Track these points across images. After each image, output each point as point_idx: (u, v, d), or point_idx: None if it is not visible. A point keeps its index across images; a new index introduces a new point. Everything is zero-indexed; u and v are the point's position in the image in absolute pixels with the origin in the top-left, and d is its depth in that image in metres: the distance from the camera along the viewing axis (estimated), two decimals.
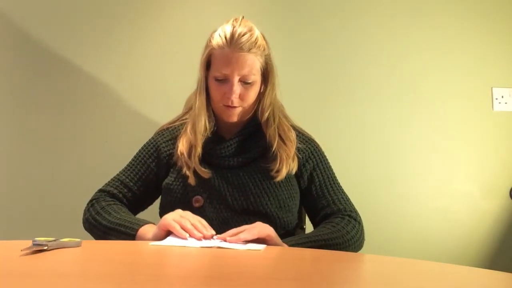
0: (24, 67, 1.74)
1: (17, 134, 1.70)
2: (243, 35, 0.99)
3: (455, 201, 1.85)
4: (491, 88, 1.92)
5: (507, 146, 1.89)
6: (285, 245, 0.90)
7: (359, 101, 1.87)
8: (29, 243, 0.65)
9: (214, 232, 0.87)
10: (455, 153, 1.88)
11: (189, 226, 0.86)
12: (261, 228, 0.88)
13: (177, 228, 0.85)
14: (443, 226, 1.84)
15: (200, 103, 1.05)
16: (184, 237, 0.83)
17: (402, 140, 1.87)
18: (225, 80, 1.01)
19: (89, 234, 1.05)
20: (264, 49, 1.04)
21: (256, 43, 1.01)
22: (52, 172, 1.69)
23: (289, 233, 1.03)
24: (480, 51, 1.93)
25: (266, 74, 1.06)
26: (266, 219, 0.97)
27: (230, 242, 0.83)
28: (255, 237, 0.84)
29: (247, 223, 0.91)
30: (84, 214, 1.05)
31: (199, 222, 0.89)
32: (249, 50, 0.99)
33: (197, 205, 0.99)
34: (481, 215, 1.86)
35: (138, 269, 0.54)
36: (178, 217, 0.89)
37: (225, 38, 0.99)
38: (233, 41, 0.98)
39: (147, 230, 0.92)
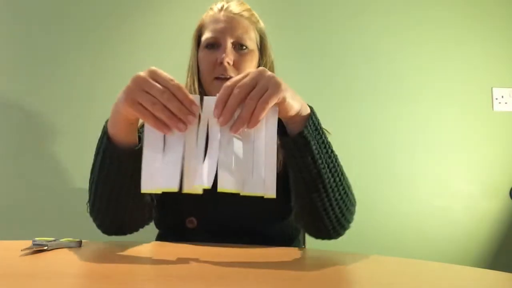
0: (23, 68, 1.74)
1: (17, 134, 1.70)
2: (235, 5, 0.95)
3: (455, 201, 1.85)
4: (491, 88, 1.92)
5: (507, 146, 1.89)
6: (303, 107, 0.70)
7: (359, 101, 1.87)
8: (29, 243, 0.65)
9: (197, 109, 0.62)
10: (455, 153, 1.88)
11: (165, 115, 0.60)
12: (271, 92, 0.61)
13: (151, 122, 0.61)
14: (443, 226, 1.84)
15: (191, 81, 0.96)
16: (165, 132, 0.62)
17: (402, 140, 1.87)
18: (216, 46, 0.91)
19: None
20: (258, 21, 0.98)
21: (250, 11, 0.96)
22: (52, 172, 1.69)
23: (290, 239, 0.97)
24: (480, 51, 1.93)
25: (263, 50, 0.98)
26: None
27: (236, 130, 0.61)
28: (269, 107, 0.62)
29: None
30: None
31: (174, 93, 0.60)
32: (242, 15, 0.93)
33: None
34: (481, 215, 1.86)
35: (138, 269, 0.54)
36: (143, 95, 0.60)
37: (216, 8, 0.95)
38: (223, 8, 0.94)
39: (111, 119, 0.71)
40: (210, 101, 0.63)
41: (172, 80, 0.61)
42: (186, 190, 0.60)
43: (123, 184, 0.73)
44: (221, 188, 0.60)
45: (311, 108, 0.73)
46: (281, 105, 0.64)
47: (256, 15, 0.99)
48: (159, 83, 0.60)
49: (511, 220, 1.86)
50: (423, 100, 1.89)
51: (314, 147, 0.71)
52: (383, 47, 1.90)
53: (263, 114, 0.61)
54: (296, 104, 0.68)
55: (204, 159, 0.62)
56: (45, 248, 0.65)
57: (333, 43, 1.89)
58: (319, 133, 0.72)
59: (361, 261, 0.68)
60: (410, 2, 1.94)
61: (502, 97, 1.91)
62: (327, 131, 0.90)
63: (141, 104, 0.61)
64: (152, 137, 0.62)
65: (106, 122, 0.73)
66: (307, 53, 1.87)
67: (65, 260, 0.59)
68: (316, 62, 1.87)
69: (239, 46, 0.92)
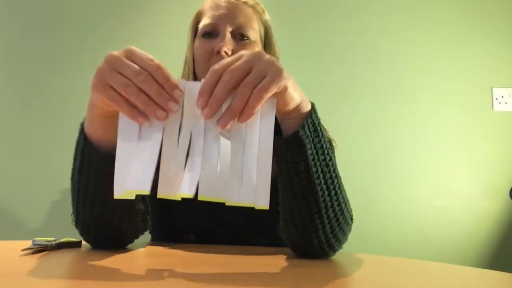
0: (23, 68, 1.74)
1: (17, 134, 1.70)
2: None
3: (455, 201, 1.86)
4: (491, 88, 1.92)
5: (507, 146, 1.90)
6: (305, 101, 0.59)
7: (359, 101, 1.87)
8: (29, 243, 0.65)
9: (181, 95, 0.50)
10: (455, 153, 1.88)
11: (141, 100, 0.48)
12: (271, 78, 0.49)
13: (124, 109, 0.50)
14: (443, 226, 1.84)
15: (186, 73, 0.88)
16: (140, 121, 0.50)
17: (402, 140, 1.87)
18: (214, 34, 0.81)
19: None
20: (263, 12, 0.88)
21: (255, 0, 0.87)
22: (52, 172, 1.69)
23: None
24: (480, 51, 1.93)
25: (267, 44, 0.88)
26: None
27: (224, 125, 0.49)
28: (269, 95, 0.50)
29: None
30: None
31: (153, 75, 0.49)
32: (245, 2, 0.84)
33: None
34: (481, 215, 1.86)
35: (138, 269, 0.54)
36: (115, 77, 0.49)
37: None
38: None
39: (86, 115, 0.61)
40: (195, 87, 0.50)
41: (151, 60, 0.50)
42: (161, 194, 0.48)
43: (106, 190, 0.54)
44: (202, 196, 0.49)
45: (312, 105, 0.61)
46: (281, 96, 0.52)
47: (262, 5, 0.90)
48: (135, 63, 0.50)
49: (511, 220, 1.86)
50: (423, 100, 1.89)
51: (309, 152, 0.59)
52: (383, 47, 1.90)
53: (259, 106, 0.49)
54: (297, 96, 0.56)
55: (186, 160, 0.50)
56: (45, 248, 0.65)
57: (333, 43, 1.89)
58: (318, 135, 0.60)
59: (361, 261, 0.68)
60: (410, 2, 1.94)
61: (502, 97, 1.91)
62: (334, 142, 0.84)
63: (113, 88, 0.50)
64: (127, 129, 0.50)
65: (84, 120, 0.62)
66: (307, 53, 1.87)
67: (65, 260, 0.59)
68: (316, 61, 1.87)
69: (239, 36, 0.81)
